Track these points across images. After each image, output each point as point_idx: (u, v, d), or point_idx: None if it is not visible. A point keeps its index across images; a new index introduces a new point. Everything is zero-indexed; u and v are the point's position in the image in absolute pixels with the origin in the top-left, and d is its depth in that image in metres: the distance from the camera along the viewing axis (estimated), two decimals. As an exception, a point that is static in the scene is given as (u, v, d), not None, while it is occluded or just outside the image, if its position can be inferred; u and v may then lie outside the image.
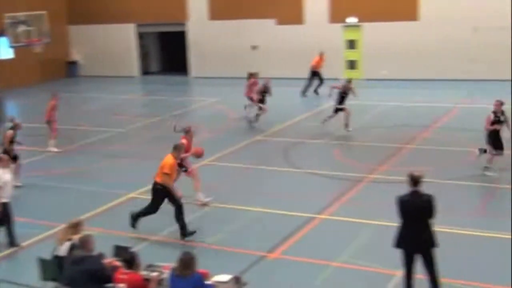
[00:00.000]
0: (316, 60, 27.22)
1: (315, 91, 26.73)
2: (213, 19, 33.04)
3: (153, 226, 12.17)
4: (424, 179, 8.62)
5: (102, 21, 35.23)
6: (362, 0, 29.80)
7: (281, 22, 31.52)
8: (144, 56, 36.90)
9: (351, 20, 30.25)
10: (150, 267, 8.47)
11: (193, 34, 33.75)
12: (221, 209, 13.27)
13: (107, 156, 18.16)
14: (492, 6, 27.27)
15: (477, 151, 15.20)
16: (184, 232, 11.59)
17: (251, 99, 21.27)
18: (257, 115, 21.06)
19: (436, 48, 28.44)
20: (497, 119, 14.41)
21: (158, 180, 11.65)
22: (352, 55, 30.88)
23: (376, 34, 29.65)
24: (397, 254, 8.93)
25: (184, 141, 13.10)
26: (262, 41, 32.17)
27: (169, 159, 11.71)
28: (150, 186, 11.80)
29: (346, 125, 19.56)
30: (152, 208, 11.82)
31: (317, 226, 12.22)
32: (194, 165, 14.43)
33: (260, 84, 21.42)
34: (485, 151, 14.92)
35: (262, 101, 21.06)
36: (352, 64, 30.94)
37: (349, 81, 20.10)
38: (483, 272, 9.91)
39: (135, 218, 11.97)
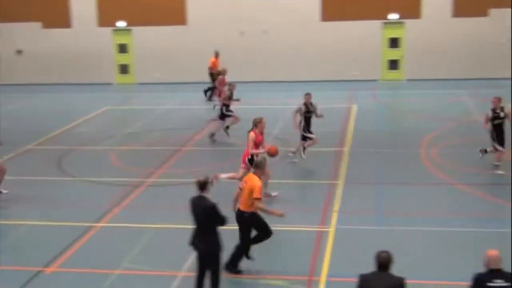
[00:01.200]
0: (212, 61, 25.77)
1: (208, 98, 25.19)
2: (-30, 22, 30.79)
3: None
4: (207, 183, 8.72)
5: None
6: (131, 4, 29.72)
7: (47, 25, 30.31)
8: None
9: (121, 24, 30.03)
10: None
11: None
12: (-9, 225, 12.39)
13: None
14: (255, 11, 28.78)
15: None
16: (233, 264, 9.98)
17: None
18: (227, 127, 18.81)
19: (205, 51, 29.26)
20: (496, 115, 14.56)
21: (244, 208, 9.82)
22: (123, 59, 30.65)
23: (147, 38, 29.77)
24: (178, 256, 9.05)
25: (253, 134, 12.87)
26: (27, 45, 30.70)
27: (256, 182, 9.75)
28: None
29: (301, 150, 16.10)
30: (247, 241, 10.04)
31: (97, 235, 11.94)
32: None
33: (226, 89, 19.31)
34: (485, 151, 14.96)
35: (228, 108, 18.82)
36: (124, 69, 30.75)
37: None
38: (284, 264, 10.32)
39: (234, 264, 10.00)
